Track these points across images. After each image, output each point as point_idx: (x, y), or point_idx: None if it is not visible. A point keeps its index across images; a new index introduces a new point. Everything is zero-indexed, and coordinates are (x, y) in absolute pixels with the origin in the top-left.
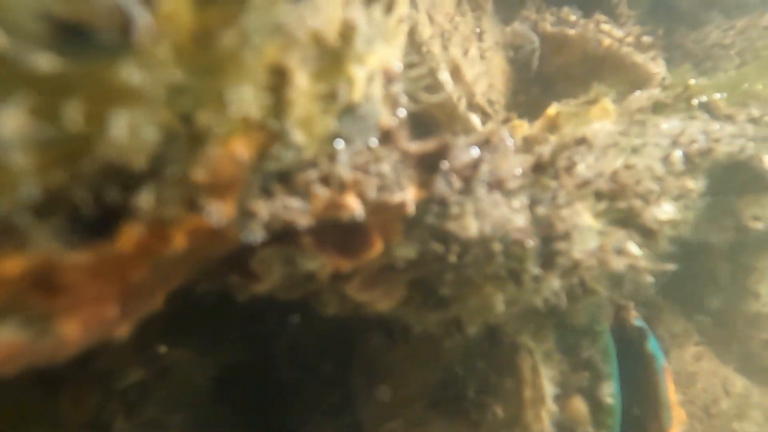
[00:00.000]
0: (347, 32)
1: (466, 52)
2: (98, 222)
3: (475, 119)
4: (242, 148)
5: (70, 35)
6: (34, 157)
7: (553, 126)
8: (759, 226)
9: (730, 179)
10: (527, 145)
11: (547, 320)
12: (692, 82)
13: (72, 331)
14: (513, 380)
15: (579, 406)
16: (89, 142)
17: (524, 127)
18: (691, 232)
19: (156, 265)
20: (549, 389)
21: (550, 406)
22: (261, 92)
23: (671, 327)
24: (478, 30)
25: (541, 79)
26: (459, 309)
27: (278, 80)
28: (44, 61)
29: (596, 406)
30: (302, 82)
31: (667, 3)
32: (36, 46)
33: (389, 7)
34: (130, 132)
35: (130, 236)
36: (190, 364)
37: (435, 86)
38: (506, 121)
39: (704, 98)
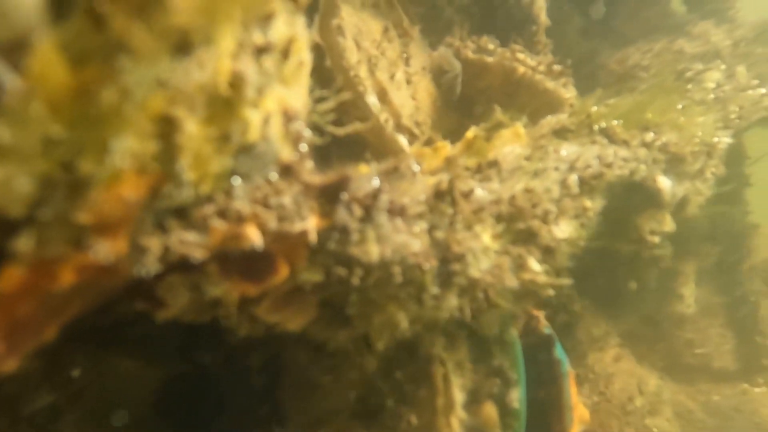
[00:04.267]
0: (237, 82)
1: (392, 76)
2: None
3: (402, 140)
4: (130, 190)
5: None
6: None
7: (471, 148)
8: (656, 239)
9: (630, 198)
10: (449, 165)
11: (460, 332)
12: (594, 109)
13: None
14: (427, 390)
15: (490, 411)
16: None
17: (447, 149)
18: (599, 244)
19: (44, 301)
20: (459, 397)
21: (460, 412)
22: (147, 140)
23: (592, 331)
24: (405, 55)
25: (465, 102)
26: (365, 326)
27: (166, 128)
28: None
29: (505, 411)
30: (192, 128)
31: (598, 25)
32: None
33: (286, 55)
34: (3, 184)
35: (12, 277)
36: (126, 380)
37: (363, 110)
38: (430, 142)
39: (603, 124)
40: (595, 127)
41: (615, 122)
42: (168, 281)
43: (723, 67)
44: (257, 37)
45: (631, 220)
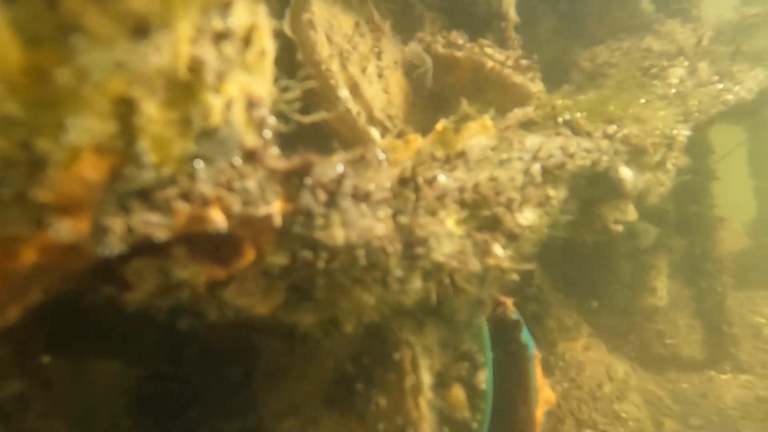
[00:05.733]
0: (196, 66)
1: (364, 70)
2: None
3: (374, 132)
4: (90, 170)
5: None
6: None
7: (441, 140)
8: (619, 228)
9: (593, 188)
10: (420, 156)
11: (428, 318)
12: (558, 102)
13: None
14: (395, 373)
15: (458, 393)
16: None
17: (418, 141)
18: (566, 233)
19: (6, 281)
20: (427, 379)
21: (428, 393)
22: (106, 121)
23: (563, 321)
24: (376, 50)
25: (436, 96)
26: (333, 310)
27: (125, 109)
28: None
29: (472, 392)
30: (152, 111)
31: (570, 23)
32: None
33: (247, 42)
34: None
35: None
36: (104, 379)
37: (334, 103)
38: (401, 134)
39: (567, 117)
40: (560, 120)
41: (579, 114)
42: (135, 265)
43: (686, 63)
44: (216, 23)
45: (595, 210)
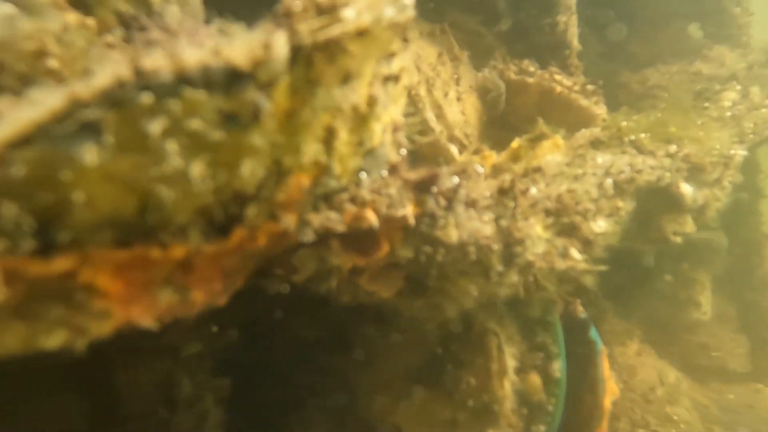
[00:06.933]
0: (372, 102)
1: (446, 94)
2: (222, 226)
3: (453, 149)
4: (304, 179)
5: (227, 120)
6: (201, 188)
7: (515, 156)
8: (677, 239)
9: (655, 201)
10: (495, 172)
11: (509, 312)
12: (624, 123)
13: (199, 297)
14: (482, 358)
15: (535, 379)
16: (229, 179)
17: (493, 157)
18: (626, 243)
19: (243, 258)
20: (511, 363)
21: (512, 376)
22: (318, 144)
23: (614, 327)
24: (455, 76)
25: (506, 117)
26: (441, 297)
27: (329, 136)
28: (216, 134)
29: (548, 379)
30: (343, 136)
31: (616, 48)
32: (213, 126)
33: (397, 80)
34: (251, 171)
35: (237, 236)
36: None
37: (423, 123)
38: (478, 151)
39: (633, 137)
40: (625, 139)
41: (642, 135)
42: (300, 253)
43: (738, 87)
44: (384, 69)
45: (654, 222)
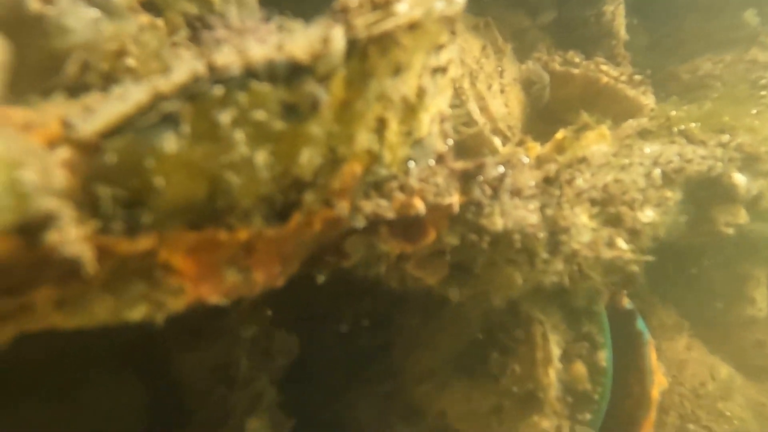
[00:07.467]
0: (421, 93)
1: (489, 87)
2: (281, 211)
3: (497, 141)
4: (357, 167)
5: (288, 110)
6: (265, 174)
7: (560, 147)
8: (730, 231)
9: (705, 192)
10: (539, 162)
11: (553, 301)
12: (673, 113)
13: (260, 278)
14: (526, 346)
15: (580, 368)
16: (289, 166)
17: (537, 148)
18: (674, 235)
19: (299, 243)
20: (556, 352)
21: (557, 364)
22: (371, 134)
23: (663, 321)
24: (499, 69)
25: (550, 109)
26: (487, 284)
27: (380, 126)
28: (278, 124)
29: (593, 368)
30: (394, 126)
31: (663, 37)
32: (275, 117)
33: (445, 72)
34: (309, 159)
35: (294, 221)
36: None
37: (467, 115)
38: (521, 143)
39: (682, 127)
40: (675, 129)
41: (693, 125)
42: (351, 239)
43: None
44: (433, 61)
45: (705, 213)
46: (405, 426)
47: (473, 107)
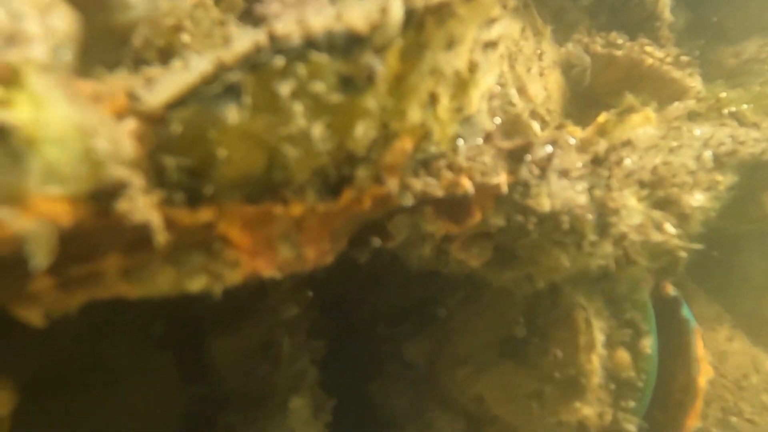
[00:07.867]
0: (473, 68)
1: (529, 70)
2: (334, 187)
3: (536, 126)
4: (408, 143)
5: (344, 82)
6: (320, 147)
7: (602, 131)
8: None
9: (756, 176)
10: (582, 146)
11: (596, 287)
12: (723, 95)
13: (310, 255)
14: (569, 330)
15: (623, 355)
16: (343, 140)
17: (577, 132)
18: (722, 221)
19: (348, 220)
20: (599, 338)
21: (600, 350)
22: (422, 109)
23: (703, 311)
24: (538, 51)
25: (591, 92)
26: (532, 267)
27: (432, 101)
28: (334, 97)
29: (637, 356)
30: (444, 102)
31: (704, 20)
32: (332, 89)
33: (495, 47)
34: (363, 133)
35: (346, 197)
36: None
37: (505, 98)
38: (560, 127)
39: (733, 108)
40: (725, 111)
41: (744, 107)
42: (395, 220)
43: None
44: (485, 35)
45: (755, 198)
46: (441, 411)
47: (512, 91)
